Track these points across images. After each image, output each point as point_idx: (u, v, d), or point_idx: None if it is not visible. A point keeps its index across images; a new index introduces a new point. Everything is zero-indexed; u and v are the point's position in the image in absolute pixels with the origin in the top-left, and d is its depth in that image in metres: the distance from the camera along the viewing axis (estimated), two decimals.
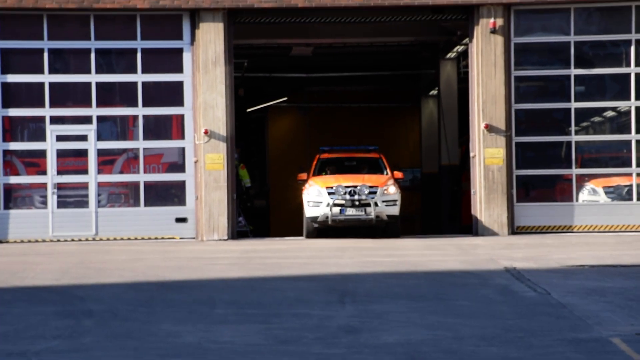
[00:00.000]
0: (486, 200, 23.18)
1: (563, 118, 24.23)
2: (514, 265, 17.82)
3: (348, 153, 24.53)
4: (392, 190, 21.82)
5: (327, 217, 21.28)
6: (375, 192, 21.51)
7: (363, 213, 21.33)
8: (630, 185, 23.61)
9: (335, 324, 13.48)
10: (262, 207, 34.80)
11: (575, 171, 23.71)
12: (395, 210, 21.76)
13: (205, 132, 23.12)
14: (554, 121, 24.73)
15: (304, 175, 23.02)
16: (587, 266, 17.84)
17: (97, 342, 12.49)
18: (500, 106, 23.42)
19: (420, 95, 36.74)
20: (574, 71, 23.65)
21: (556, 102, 24.21)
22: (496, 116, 23.36)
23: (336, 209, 21.27)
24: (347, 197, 21.27)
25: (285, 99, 38.40)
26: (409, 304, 14.83)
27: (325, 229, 22.41)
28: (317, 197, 21.50)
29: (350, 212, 21.30)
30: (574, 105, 23.73)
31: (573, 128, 23.78)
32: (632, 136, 23.75)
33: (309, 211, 21.62)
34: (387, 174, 22.99)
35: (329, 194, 21.41)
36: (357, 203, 21.27)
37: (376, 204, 21.37)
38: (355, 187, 21.41)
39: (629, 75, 23.69)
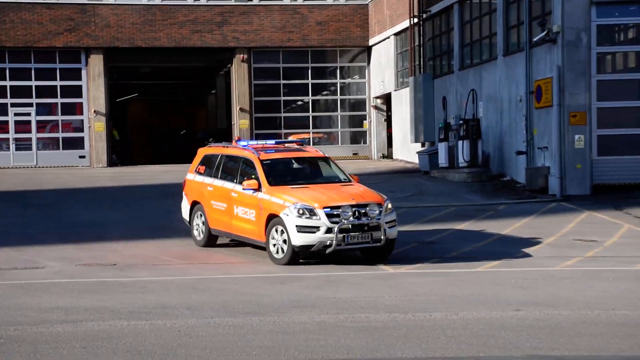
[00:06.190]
0: None
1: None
2: None
3: (288, 152, 17.09)
4: (390, 206, 15.78)
5: (325, 246, 15.07)
6: (381, 212, 15.46)
7: (369, 239, 15.29)
8: None
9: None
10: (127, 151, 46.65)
11: None
12: (396, 233, 15.79)
13: (94, 112, 37.09)
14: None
15: (254, 184, 15.90)
16: None
17: (33, 218, 17.10)
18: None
19: (206, 94, 51.85)
20: None
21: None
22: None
23: (340, 236, 15.08)
24: (355, 220, 15.20)
25: (136, 94, 53.13)
26: None
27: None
28: (311, 220, 15.05)
29: (356, 239, 15.19)
30: None
31: None
32: None
33: (298, 238, 15.06)
34: (345, 179, 16.65)
35: (329, 215, 15.08)
36: (365, 228, 15.24)
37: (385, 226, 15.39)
38: (365, 206, 15.25)
39: None
